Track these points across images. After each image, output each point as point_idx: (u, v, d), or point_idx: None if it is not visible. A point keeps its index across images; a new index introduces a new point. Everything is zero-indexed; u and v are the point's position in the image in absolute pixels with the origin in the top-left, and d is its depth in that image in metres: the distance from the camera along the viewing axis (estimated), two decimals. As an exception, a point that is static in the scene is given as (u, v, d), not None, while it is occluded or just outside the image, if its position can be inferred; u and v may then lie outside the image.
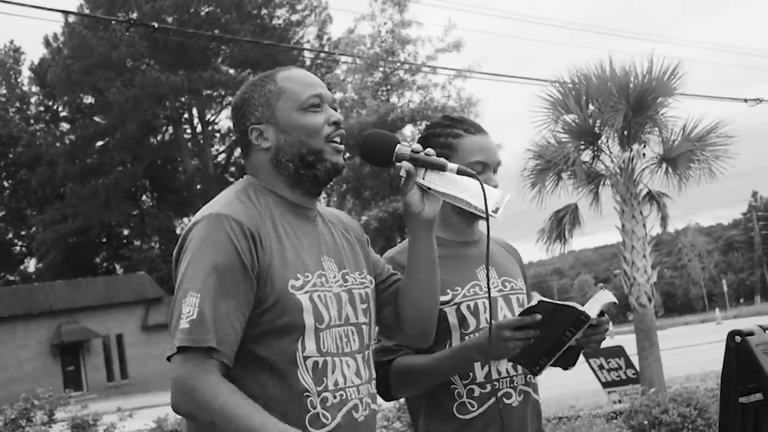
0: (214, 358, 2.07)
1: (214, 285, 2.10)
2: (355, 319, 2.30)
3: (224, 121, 65.36)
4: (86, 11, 55.76)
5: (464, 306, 2.77)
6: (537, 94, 13.20)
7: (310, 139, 2.29)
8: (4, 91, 63.86)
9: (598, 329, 2.62)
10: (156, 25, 21.14)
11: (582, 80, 13.00)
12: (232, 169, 65.22)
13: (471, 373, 2.76)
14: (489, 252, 2.39)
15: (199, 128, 64.25)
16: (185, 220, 63.91)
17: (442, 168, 2.28)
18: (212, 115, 64.34)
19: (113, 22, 52.60)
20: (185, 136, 63.75)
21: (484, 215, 2.27)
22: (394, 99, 25.54)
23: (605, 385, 13.42)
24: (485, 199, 2.23)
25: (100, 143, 61.04)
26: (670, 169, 12.98)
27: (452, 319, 2.76)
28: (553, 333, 2.54)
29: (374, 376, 2.38)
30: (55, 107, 63.78)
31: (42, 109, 64.36)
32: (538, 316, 2.50)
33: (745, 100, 21.38)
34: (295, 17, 61.41)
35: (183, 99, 60.41)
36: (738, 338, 2.36)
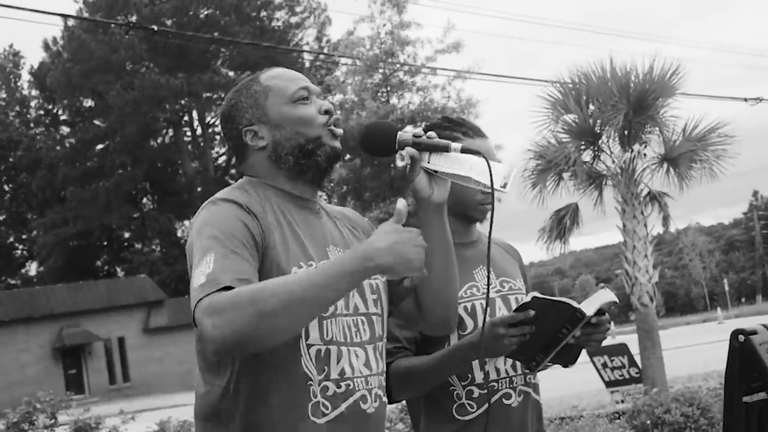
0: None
1: (226, 244, 2.07)
2: (365, 309, 2.27)
3: (224, 123, 65.29)
4: (85, 15, 55.76)
5: (461, 308, 2.76)
6: (537, 94, 13.22)
7: (307, 129, 2.29)
8: (4, 95, 63.87)
9: (599, 328, 2.60)
10: (155, 28, 21.16)
11: (582, 80, 13.01)
12: (233, 171, 65.19)
13: (470, 375, 2.75)
14: (492, 229, 2.36)
15: (199, 131, 64.29)
16: (186, 222, 63.90)
17: (445, 149, 2.25)
18: (212, 118, 64.31)
19: (112, 25, 52.56)
20: (185, 138, 63.77)
21: (492, 191, 2.24)
22: (393, 100, 25.52)
23: (608, 384, 13.42)
24: (491, 176, 2.19)
25: (100, 146, 61.10)
26: (671, 169, 12.98)
27: None
28: (549, 329, 2.53)
29: (386, 368, 2.35)
30: (54, 111, 63.80)
31: (42, 112, 64.38)
32: (532, 312, 2.50)
33: (745, 100, 21.35)
34: (294, 19, 61.46)
35: (183, 102, 60.44)
36: (741, 337, 2.35)
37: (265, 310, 1.91)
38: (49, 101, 63.24)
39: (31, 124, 63.96)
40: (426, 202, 2.31)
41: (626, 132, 12.99)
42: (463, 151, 2.24)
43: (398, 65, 25.26)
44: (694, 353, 25.09)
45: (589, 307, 2.53)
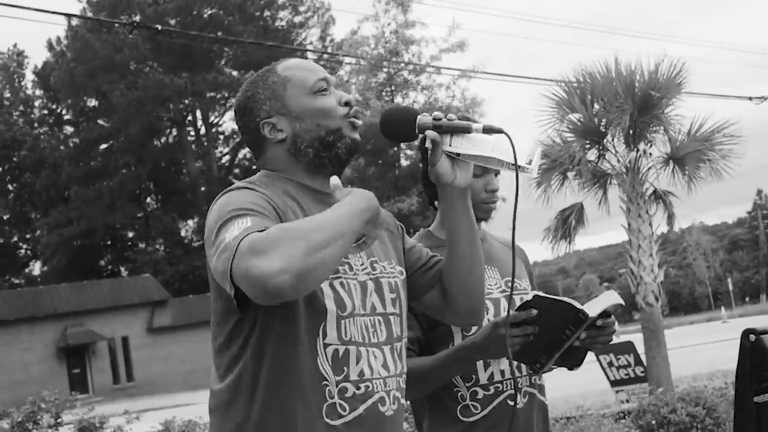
0: None
1: (258, 211, 2.01)
2: (382, 309, 2.22)
3: (228, 123, 65.44)
4: (89, 14, 55.83)
5: None
6: (542, 93, 13.20)
7: (328, 121, 2.24)
8: (8, 95, 63.93)
9: (604, 331, 2.58)
10: (159, 27, 21.11)
11: (587, 79, 12.99)
12: (236, 170, 65.25)
13: (474, 376, 2.74)
14: (516, 215, 2.27)
15: (202, 130, 64.37)
16: (190, 222, 64.03)
17: (467, 130, 2.19)
18: (216, 117, 64.45)
19: (116, 24, 52.64)
20: (189, 138, 63.84)
21: (518, 170, 2.18)
22: (398, 99, 25.47)
23: (614, 383, 13.40)
24: (514, 153, 2.14)
25: (104, 146, 61.19)
26: (677, 169, 12.95)
27: None
28: (552, 330, 2.51)
29: (405, 369, 2.29)
30: (58, 110, 63.89)
31: (46, 112, 64.48)
32: (534, 312, 2.48)
33: (750, 99, 21.34)
34: (297, 19, 61.54)
35: (186, 101, 60.49)
36: (752, 337, 2.33)
37: (314, 244, 1.86)
38: (52, 101, 63.32)
39: (35, 124, 64.05)
40: (449, 187, 2.27)
41: (631, 131, 12.97)
42: (485, 130, 2.18)
43: (403, 64, 25.25)
44: (698, 353, 25.10)
45: (593, 308, 2.50)
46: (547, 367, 2.62)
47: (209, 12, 59.60)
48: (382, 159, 25.36)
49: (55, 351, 44.19)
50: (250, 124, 2.29)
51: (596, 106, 13.07)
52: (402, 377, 2.26)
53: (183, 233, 63.81)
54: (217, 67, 59.56)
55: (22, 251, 65.83)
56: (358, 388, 2.12)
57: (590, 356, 2.74)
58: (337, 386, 2.09)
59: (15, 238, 64.90)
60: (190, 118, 63.67)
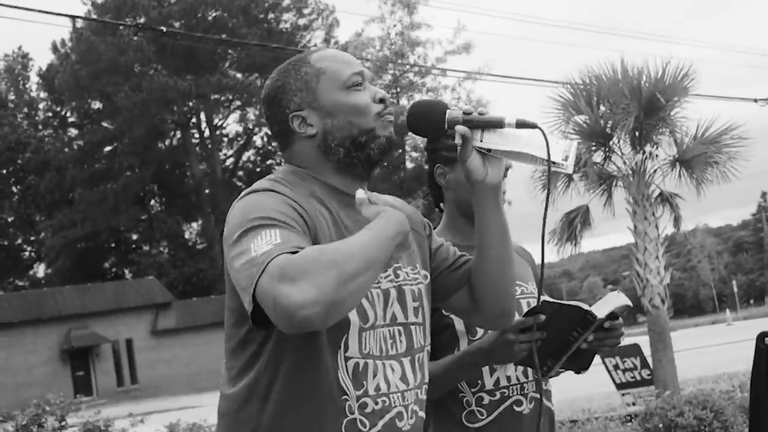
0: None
1: (286, 222, 1.91)
2: (403, 319, 2.14)
3: (232, 125, 65.60)
4: (94, 16, 55.91)
5: None
6: (548, 95, 13.16)
7: (361, 119, 2.12)
8: (13, 97, 64.07)
9: (612, 333, 2.54)
10: (164, 29, 21.19)
11: (593, 81, 12.96)
12: (240, 173, 65.34)
13: (479, 381, 2.70)
14: (546, 215, 2.18)
15: (207, 133, 64.39)
16: (194, 224, 64.17)
17: (499, 125, 2.09)
18: (220, 120, 64.52)
19: (121, 27, 52.74)
20: (193, 140, 63.90)
21: (553, 167, 2.07)
22: (403, 101, 25.54)
23: (619, 386, 13.36)
24: (548, 149, 2.04)
25: (108, 148, 61.27)
26: (684, 171, 12.92)
27: (459, 326, 2.71)
28: (560, 334, 2.47)
29: (426, 380, 2.20)
30: (63, 113, 63.99)
31: (50, 114, 64.59)
32: (542, 317, 2.42)
33: (755, 100, 21.34)
34: (302, 21, 61.54)
35: (191, 103, 60.57)
36: (767, 340, 2.32)
37: (346, 275, 1.76)
38: (57, 103, 63.44)
39: (40, 126, 64.16)
40: (480, 185, 2.17)
41: (637, 133, 12.94)
42: (518, 125, 2.09)
43: (408, 66, 25.29)
44: (704, 355, 25.07)
45: (600, 309, 2.47)
46: (554, 370, 2.59)
47: (213, 14, 59.70)
48: (388, 161, 25.36)
49: (59, 353, 44.23)
50: (278, 115, 2.17)
51: (602, 108, 13.04)
52: (422, 389, 2.18)
53: (187, 236, 63.93)
54: (222, 69, 59.63)
55: (26, 253, 65.94)
56: (376, 403, 2.05)
57: (596, 359, 2.70)
58: (357, 401, 2.02)
59: (19, 241, 65.01)
60: (194, 120, 63.76)
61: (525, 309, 2.75)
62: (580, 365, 2.63)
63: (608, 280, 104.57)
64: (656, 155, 13.07)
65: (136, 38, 53.49)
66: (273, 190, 2.02)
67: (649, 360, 13.03)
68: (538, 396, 2.77)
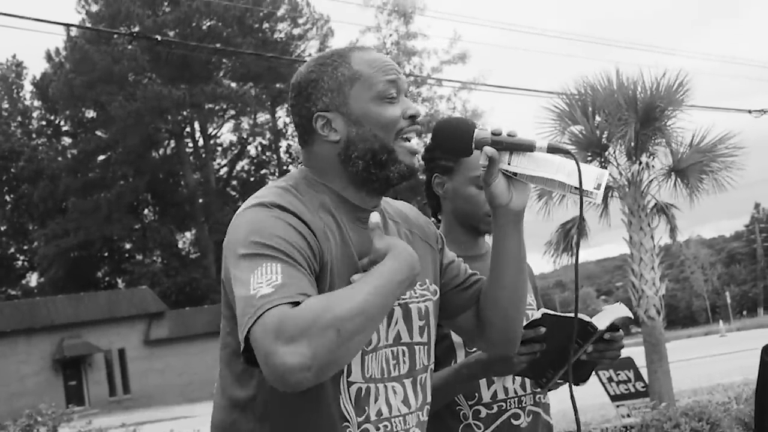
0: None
1: (288, 254, 1.81)
2: (408, 339, 2.07)
3: (226, 134, 65.65)
4: (88, 25, 55.89)
5: None
6: (543, 105, 13.16)
7: (384, 134, 2.01)
8: (6, 106, 63.99)
9: (612, 345, 2.51)
10: (158, 38, 21.17)
11: (588, 91, 12.96)
12: (234, 182, 65.32)
13: (477, 394, 2.67)
14: (579, 244, 2.18)
15: (201, 142, 64.41)
16: (187, 234, 64.06)
17: (530, 148, 2.03)
18: (214, 129, 64.50)
19: (115, 35, 52.74)
20: (187, 149, 63.84)
21: (583, 195, 2.00)
22: (398, 111, 25.55)
23: (614, 398, 13.32)
24: (580, 177, 1.97)
25: (101, 157, 61.20)
26: (679, 181, 12.91)
27: (456, 338, 2.67)
28: (560, 346, 2.42)
29: (428, 401, 2.14)
30: (56, 121, 63.93)
31: (44, 123, 64.52)
32: (542, 330, 2.40)
33: (750, 112, 21.35)
34: (296, 31, 61.56)
35: (185, 113, 60.55)
36: (773, 353, 2.29)
37: (345, 334, 1.69)
38: (51, 112, 63.37)
39: (33, 135, 64.09)
40: (504, 210, 2.10)
41: (633, 143, 12.93)
42: (550, 150, 2.03)
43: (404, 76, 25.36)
44: (698, 366, 25.03)
45: (601, 321, 2.44)
46: (552, 382, 2.56)
47: (208, 23, 59.70)
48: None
49: (52, 363, 44.08)
50: (303, 109, 2.06)
51: (598, 119, 13.03)
52: (423, 410, 2.12)
53: (180, 245, 63.80)
54: (216, 78, 59.62)
55: (19, 262, 65.80)
56: (378, 429, 1.98)
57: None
58: (359, 427, 1.96)
59: (12, 250, 64.87)
60: (188, 129, 63.72)
61: (524, 321, 2.72)
62: (579, 377, 2.59)
63: (601, 290, 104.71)
64: (652, 165, 13.06)
65: (130, 47, 53.47)
66: (281, 206, 1.91)
67: (644, 371, 13.00)
68: (536, 409, 2.73)
